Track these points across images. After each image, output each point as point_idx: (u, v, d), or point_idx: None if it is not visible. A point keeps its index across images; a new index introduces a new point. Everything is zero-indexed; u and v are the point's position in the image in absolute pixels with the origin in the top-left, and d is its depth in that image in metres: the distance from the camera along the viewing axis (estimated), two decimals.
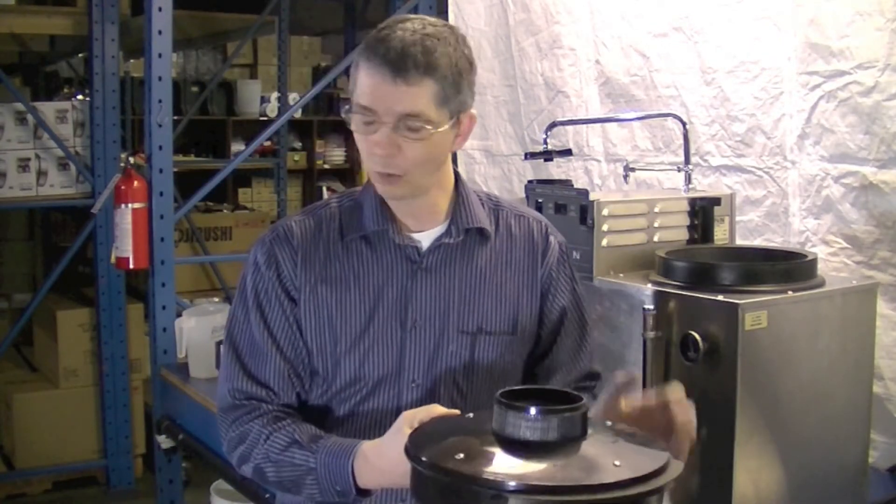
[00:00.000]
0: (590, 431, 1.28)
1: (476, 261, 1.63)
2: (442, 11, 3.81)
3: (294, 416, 1.60)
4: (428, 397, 1.59)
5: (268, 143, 6.44)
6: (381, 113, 1.47)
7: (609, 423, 1.39)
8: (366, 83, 1.48)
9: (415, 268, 1.60)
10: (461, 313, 1.61)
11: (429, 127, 1.48)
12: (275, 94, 6.77)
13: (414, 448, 1.26)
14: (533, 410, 1.24)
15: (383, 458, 1.42)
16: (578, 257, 2.02)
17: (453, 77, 1.49)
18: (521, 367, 1.68)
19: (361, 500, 1.50)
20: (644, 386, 1.83)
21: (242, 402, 1.60)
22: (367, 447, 1.46)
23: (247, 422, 1.58)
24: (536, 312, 1.67)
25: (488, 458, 1.22)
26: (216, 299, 4.76)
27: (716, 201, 2.18)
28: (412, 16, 1.54)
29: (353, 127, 1.52)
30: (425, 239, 1.61)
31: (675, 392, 1.48)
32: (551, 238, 1.69)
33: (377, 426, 1.58)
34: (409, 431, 1.35)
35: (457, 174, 1.65)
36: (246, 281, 1.63)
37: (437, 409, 1.40)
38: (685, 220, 2.15)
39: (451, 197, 1.63)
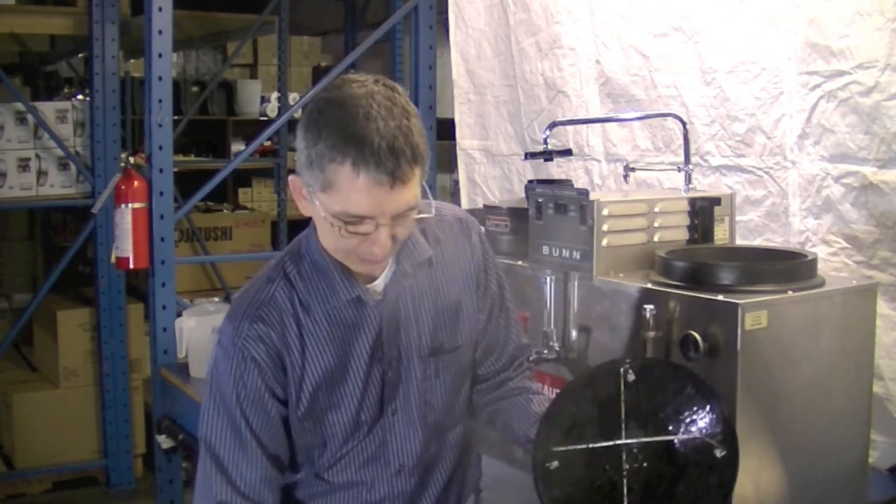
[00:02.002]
0: None
1: (423, 284, 1.66)
2: (442, 11, 3.81)
3: None
4: (407, 419, 1.66)
5: (268, 143, 6.44)
6: (377, 216, 1.43)
7: None
8: (357, 192, 1.40)
9: (382, 312, 1.62)
10: (426, 338, 1.66)
11: (416, 208, 1.48)
12: (275, 94, 6.77)
13: None
14: None
15: None
16: (578, 257, 2.02)
17: (426, 149, 1.46)
18: (471, 370, 1.77)
19: None
20: None
21: None
22: None
23: None
24: (476, 312, 1.73)
25: None
26: (216, 299, 4.75)
27: (716, 201, 2.18)
28: (355, 89, 1.44)
29: (329, 225, 1.46)
30: (380, 284, 1.62)
31: None
32: (473, 233, 1.74)
33: (368, 463, 1.66)
34: None
35: None
36: (224, 388, 1.56)
37: None
38: (685, 220, 2.15)
39: None
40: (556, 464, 1.54)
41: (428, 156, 1.46)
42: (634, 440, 1.57)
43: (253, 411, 1.56)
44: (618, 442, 1.56)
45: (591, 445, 1.56)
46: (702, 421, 1.58)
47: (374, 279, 1.61)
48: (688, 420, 1.58)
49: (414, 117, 1.45)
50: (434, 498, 1.75)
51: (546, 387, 2.11)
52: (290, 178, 1.51)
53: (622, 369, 1.58)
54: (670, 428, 1.58)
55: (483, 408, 1.83)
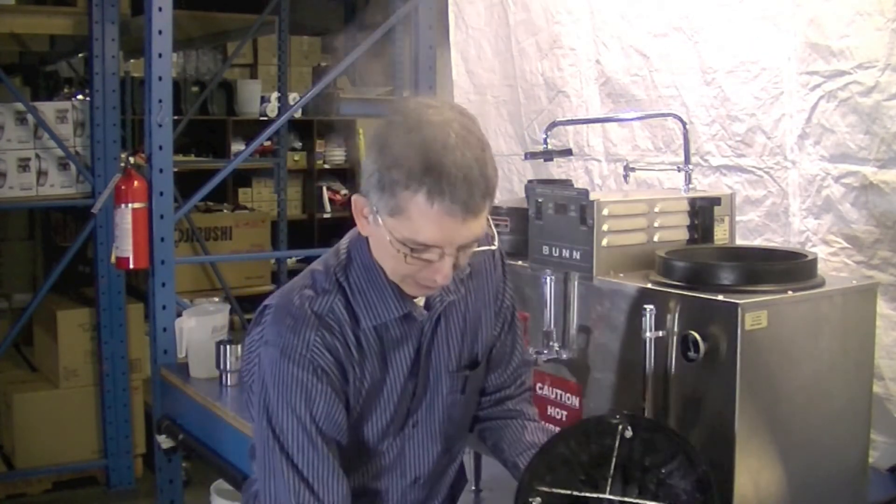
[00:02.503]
0: None
1: (461, 301, 1.67)
2: (442, 11, 3.81)
3: None
4: (427, 432, 1.68)
5: (268, 143, 6.44)
6: (445, 247, 1.43)
7: None
8: (429, 222, 1.39)
9: (426, 328, 1.63)
10: (459, 355, 1.67)
11: (479, 239, 1.47)
12: (275, 94, 6.77)
13: None
14: None
15: None
16: (578, 257, 2.02)
17: (497, 181, 1.46)
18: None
19: None
20: (644, 386, 1.83)
21: None
22: None
23: None
24: (493, 324, 1.74)
25: None
26: (216, 299, 4.76)
27: (716, 201, 2.18)
28: (432, 115, 1.42)
29: (390, 249, 1.45)
30: (423, 299, 1.62)
31: None
32: (497, 249, 1.71)
33: (385, 472, 1.67)
34: None
35: None
36: (293, 400, 1.52)
37: None
38: (685, 220, 2.15)
39: None
40: (538, 500, 1.56)
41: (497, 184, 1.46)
42: (618, 497, 1.57)
43: (326, 420, 1.54)
44: (601, 495, 1.57)
45: (574, 493, 1.57)
46: (685, 493, 1.57)
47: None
48: (674, 489, 1.58)
49: (488, 149, 1.44)
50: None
51: (547, 386, 2.11)
52: (354, 197, 1.49)
53: (620, 424, 1.59)
54: (656, 492, 1.58)
55: (479, 422, 1.84)
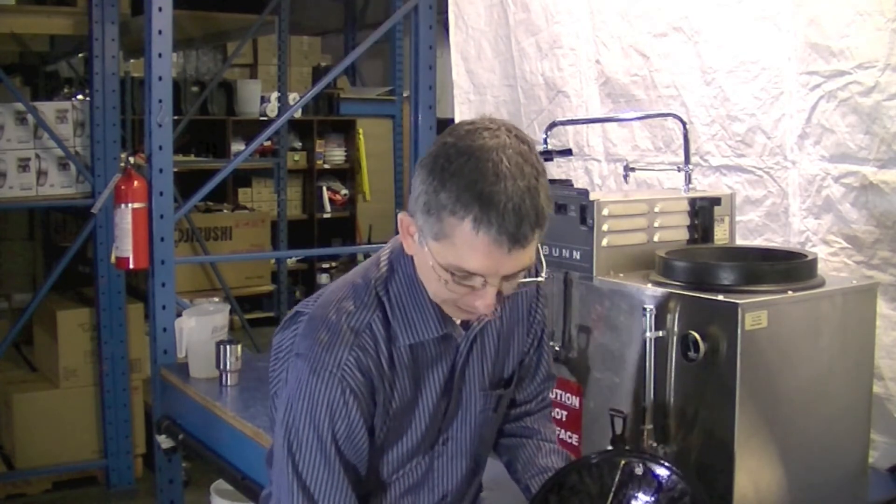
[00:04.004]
0: None
1: (497, 323, 1.64)
2: (442, 11, 3.81)
3: None
4: (457, 449, 1.66)
5: (268, 143, 6.45)
6: (489, 276, 1.39)
7: None
8: (474, 250, 1.35)
9: (462, 349, 1.60)
10: (492, 375, 1.66)
11: (526, 271, 1.44)
12: (275, 94, 6.78)
13: None
14: None
15: None
16: (578, 257, 2.02)
17: (549, 212, 1.40)
18: None
19: None
20: (644, 386, 1.83)
21: None
22: None
23: None
24: (524, 341, 1.73)
25: None
26: (216, 299, 4.76)
27: (716, 201, 2.18)
28: (488, 140, 1.37)
29: (436, 274, 1.41)
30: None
31: None
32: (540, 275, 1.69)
33: (413, 487, 1.64)
34: None
35: None
36: (317, 414, 1.48)
37: None
38: (685, 220, 2.15)
39: None
40: None
41: (548, 217, 1.41)
42: None
43: (346, 443, 1.50)
44: None
45: None
46: None
47: None
48: None
49: (543, 176, 1.39)
50: None
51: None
52: (400, 216, 1.46)
53: (627, 461, 1.60)
54: None
55: (497, 437, 1.83)
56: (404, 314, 1.52)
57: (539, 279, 1.54)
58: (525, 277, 1.45)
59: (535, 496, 1.64)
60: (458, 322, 1.57)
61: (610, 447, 1.83)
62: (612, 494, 1.58)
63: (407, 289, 1.52)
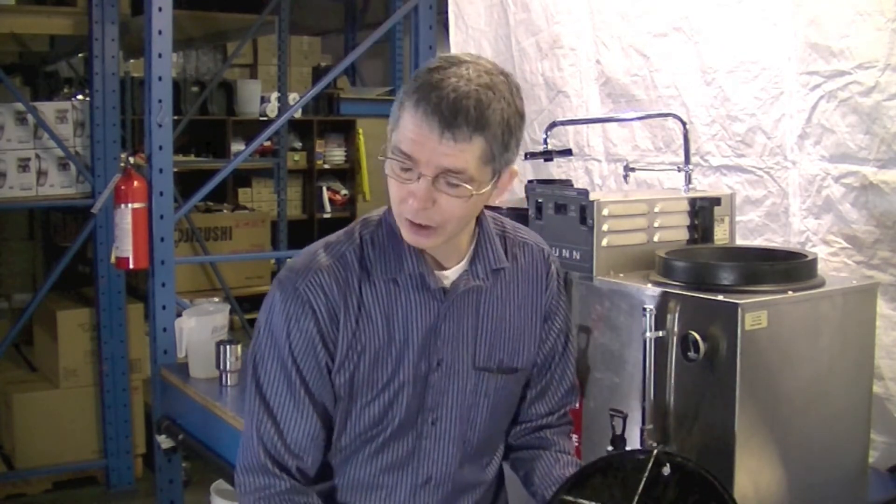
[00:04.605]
0: None
1: (491, 296, 1.62)
2: (442, 11, 3.81)
3: (313, 483, 1.60)
4: (444, 433, 1.62)
5: (268, 143, 6.44)
6: (422, 163, 1.42)
7: None
8: (410, 130, 1.41)
9: (441, 308, 1.58)
10: (478, 351, 1.62)
11: (469, 186, 1.43)
12: (275, 94, 6.77)
13: None
14: None
15: None
16: (578, 257, 2.02)
17: (503, 135, 1.43)
18: (519, 395, 1.73)
19: None
20: (644, 386, 1.83)
21: (267, 470, 1.57)
22: None
23: (268, 497, 1.56)
24: (538, 341, 1.69)
25: None
26: (216, 299, 4.75)
27: (716, 201, 2.18)
28: (466, 57, 1.45)
29: (387, 171, 1.46)
30: (451, 275, 1.59)
31: None
32: (552, 266, 1.70)
33: (394, 467, 1.62)
34: None
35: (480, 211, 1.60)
36: (278, 335, 1.54)
37: None
38: (685, 220, 2.15)
39: (472, 232, 1.60)
40: None
41: (503, 141, 1.43)
42: None
43: (304, 357, 1.53)
44: None
45: None
46: None
47: (443, 269, 1.58)
48: None
49: (503, 99, 1.42)
50: None
51: None
52: (388, 129, 1.51)
53: (655, 460, 1.55)
54: None
55: (513, 450, 1.80)
56: (382, 252, 1.56)
57: (477, 192, 1.47)
58: (471, 190, 1.44)
59: (553, 496, 1.59)
60: (439, 272, 1.57)
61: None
62: (636, 497, 1.54)
63: (389, 234, 1.56)
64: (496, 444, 1.74)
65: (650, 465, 1.55)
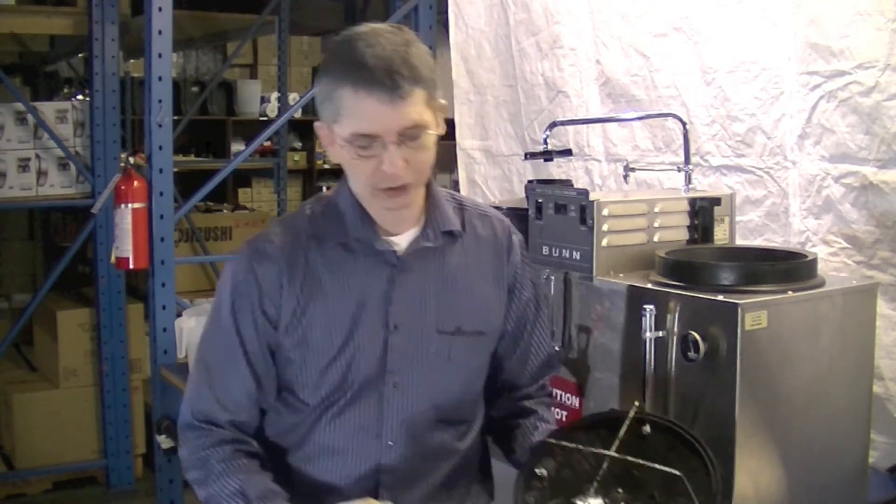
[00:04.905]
0: None
1: (449, 262, 1.67)
2: (442, 11, 3.81)
3: (252, 453, 1.64)
4: (408, 397, 1.64)
5: (268, 143, 6.44)
6: (382, 134, 1.49)
7: None
8: (361, 111, 1.48)
9: (394, 271, 1.63)
10: (439, 314, 1.65)
11: (428, 131, 1.53)
12: (275, 94, 6.78)
13: None
14: None
15: None
16: (578, 257, 2.02)
17: (431, 76, 1.53)
18: (489, 362, 1.76)
19: None
20: (644, 386, 1.83)
21: (203, 425, 1.63)
22: None
23: (205, 447, 1.62)
24: (504, 309, 1.74)
25: None
26: None
27: (716, 201, 2.18)
28: (360, 30, 1.54)
29: (343, 156, 1.54)
30: (402, 242, 1.64)
31: None
32: (513, 236, 1.76)
33: (359, 431, 1.64)
34: None
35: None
36: (223, 298, 1.63)
37: None
38: (685, 220, 2.15)
39: (423, 198, 1.66)
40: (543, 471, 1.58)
41: (433, 81, 1.53)
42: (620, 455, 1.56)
43: (243, 319, 1.61)
44: (606, 452, 1.57)
45: (583, 448, 1.59)
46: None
47: (397, 234, 1.64)
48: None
49: (415, 45, 1.51)
50: (430, 488, 1.70)
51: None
52: (315, 126, 1.58)
53: (637, 414, 1.59)
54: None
55: (495, 422, 1.82)
56: (332, 221, 1.63)
57: (433, 132, 1.57)
58: (431, 133, 1.53)
59: (531, 455, 1.61)
60: (390, 238, 1.63)
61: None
62: (616, 441, 1.56)
63: (339, 201, 1.64)
64: (470, 412, 1.76)
65: (629, 419, 1.59)
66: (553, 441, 1.62)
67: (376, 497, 1.63)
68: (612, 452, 1.56)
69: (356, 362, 1.61)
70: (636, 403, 1.63)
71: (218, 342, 1.64)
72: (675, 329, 1.81)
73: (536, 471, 1.59)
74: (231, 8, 5.23)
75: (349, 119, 1.50)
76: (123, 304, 4.58)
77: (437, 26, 3.83)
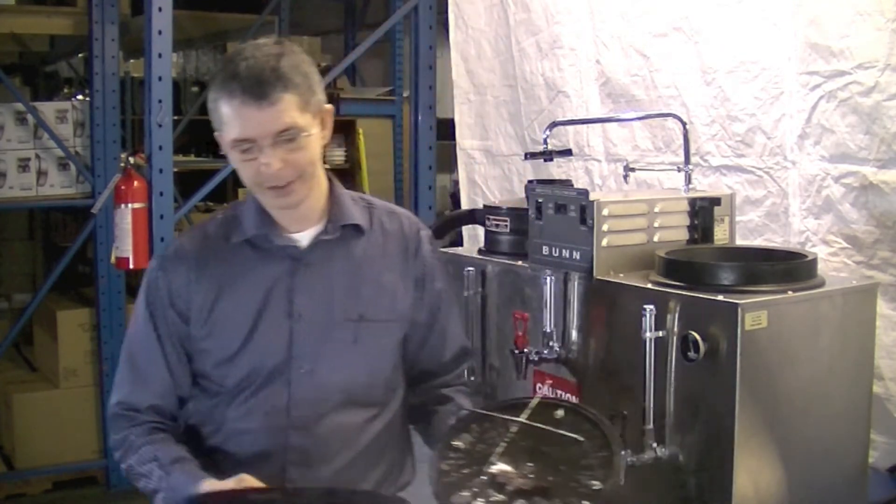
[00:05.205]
0: None
1: (353, 255, 1.81)
2: (442, 11, 3.81)
3: (168, 430, 1.79)
4: (316, 382, 1.75)
5: None
6: (258, 138, 1.63)
7: None
8: (234, 118, 1.63)
9: (297, 264, 1.77)
10: (344, 303, 1.78)
11: (302, 134, 1.66)
12: None
13: None
14: None
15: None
16: (578, 257, 2.02)
17: (304, 82, 1.67)
18: (398, 349, 1.87)
19: None
20: (644, 386, 1.83)
21: (126, 412, 1.79)
22: (207, 484, 1.64)
23: (126, 427, 1.78)
24: (411, 300, 1.85)
25: None
26: None
27: (716, 201, 2.17)
28: (245, 45, 1.69)
29: (232, 160, 1.69)
30: (305, 238, 1.79)
31: None
32: (421, 232, 1.90)
33: (270, 414, 1.74)
34: (233, 485, 1.61)
35: (330, 177, 1.84)
36: (140, 298, 1.81)
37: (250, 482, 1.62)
38: (685, 220, 2.15)
39: (325, 198, 1.80)
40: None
41: (308, 87, 1.67)
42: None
43: (157, 316, 1.78)
44: (516, 419, 1.68)
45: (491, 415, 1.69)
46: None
47: (300, 231, 1.78)
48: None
49: (289, 56, 1.66)
50: (340, 467, 1.79)
51: (547, 386, 2.11)
52: (215, 136, 1.72)
53: (547, 400, 1.70)
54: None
55: (415, 409, 1.93)
56: (241, 219, 1.79)
57: (306, 133, 1.68)
58: (305, 136, 1.66)
59: (450, 430, 1.70)
60: (293, 234, 1.77)
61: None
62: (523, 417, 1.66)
63: (250, 208, 1.79)
64: (381, 396, 1.84)
65: (536, 399, 1.71)
66: (468, 410, 1.74)
67: (284, 475, 1.74)
68: (521, 419, 1.66)
69: (263, 350, 1.75)
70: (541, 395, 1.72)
71: (137, 337, 1.80)
72: (675, 329, 1.81)
73: (453, 443, 1.67)
74: (231, 8, 5.23)
75: (228, 126, 1.65)
76: (123, 304, 4.58)
77: (437, 26, 3.83)
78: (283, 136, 1.64)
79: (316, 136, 1.70)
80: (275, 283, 1.76)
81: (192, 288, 1.76)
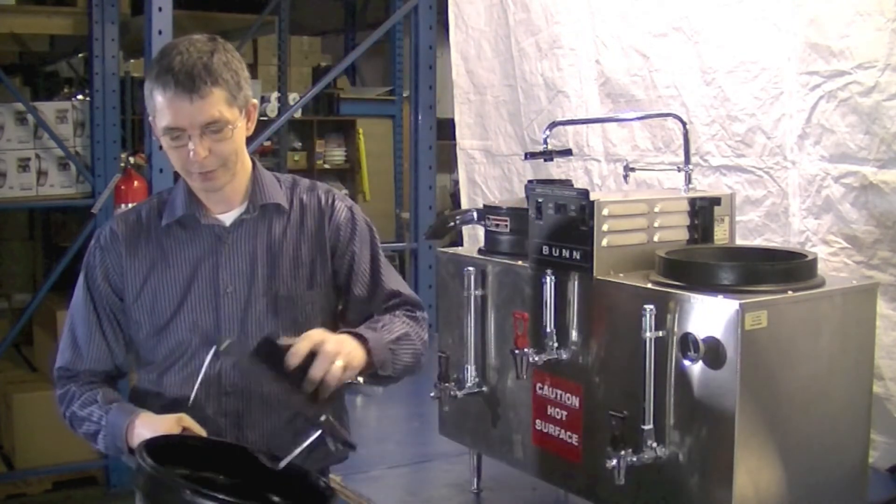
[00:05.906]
0: None
1: (274, 233, 1.95)
2: (442, 11, 3.81)
3: (105, 383, 1.95)
4: (243, 353, 1.81)
5: (268, 143, 6.44)
6: (187, 128, 1.77)
7: None
8: (166, 108, 1.76)
9: (221, 243, 1.92)
10: (264, 278, 1.93)
11: (228, 126, 1.80)
12: (275, 94, 6.77)
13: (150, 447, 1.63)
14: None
15: (146, 427, 1.78)
16: (578, 257, 2.02)
17: (233, 78, 1.80)
18: (322, 315, 1.98)
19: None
20: (644, 386, 1.83)
21: (66, 374, 1.97)
22: (142, 415, 1.81)
23: (67, 384, 1.96)
24: (330, 268, 1.99)
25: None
26: None
27: (716, 201, 2.17)
28: (180, 40, 1.81)
29: (164, 146, 1.83)
30: (229, 218, 1.93)
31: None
32: (337, 203, 2.02)
33: (202, 381, 1.84)
34: (173, 422, 1.75)
35: (253, 160, 1.97)
36: (81, 275, 1.97)
37: (194, 428, 1.77)
38: (685, 220, 2.15)
39: (248, 180, 1.94)
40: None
41: (236, 84, 1.79)
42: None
43: (94, 290, 1.95)
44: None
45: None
46: None
47: (226, 211, 1.92)
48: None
49: (221, 53, 1.79)
50: (272, 428, 1.93)
51: (547, 386, 2.11)
52: (149, 121, 1.86)
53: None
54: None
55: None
56: (172, 201, 1.94)
57: (232, 126, 1.81)
58: (232, 128, 1.80)
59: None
60: (220, 214, 1.92)
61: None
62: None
63: (179, 186, 1.94)
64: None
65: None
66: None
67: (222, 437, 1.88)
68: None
69: (191, 323, 1.90)
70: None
71: (76, 310, 1.98)
72: (675, 329, 1.81)
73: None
74: (231, 8, 5.24)
75: (160, 115, 1.78)
76: None
77: (437, 26, 3.83)
78: (211, 128, 1.78)
79: (241, 128, 1.84)
80: (201, 260, 1.91)
81: (125, 264, 1.92)
